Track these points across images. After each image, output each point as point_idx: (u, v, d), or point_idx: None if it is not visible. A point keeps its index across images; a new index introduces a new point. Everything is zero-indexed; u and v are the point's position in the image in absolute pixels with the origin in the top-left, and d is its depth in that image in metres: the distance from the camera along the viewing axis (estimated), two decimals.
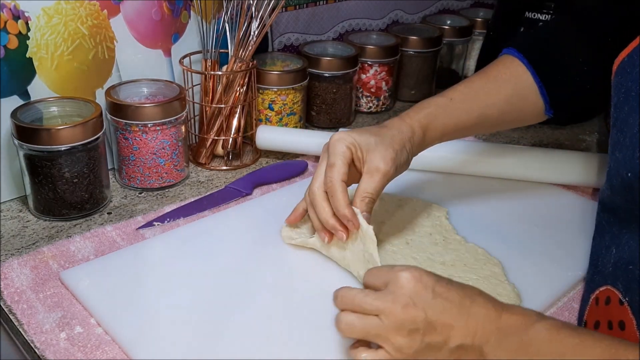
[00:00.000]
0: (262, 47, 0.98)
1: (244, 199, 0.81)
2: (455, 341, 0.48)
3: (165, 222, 0.75)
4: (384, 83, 1.10)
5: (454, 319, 0.48)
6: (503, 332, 0.47)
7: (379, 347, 0.50)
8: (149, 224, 0.74)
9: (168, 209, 0.78)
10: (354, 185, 0.65)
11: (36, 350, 0.56)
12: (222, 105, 0.87)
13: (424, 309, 0.48)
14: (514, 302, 0.61)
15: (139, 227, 0.74)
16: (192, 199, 0.80)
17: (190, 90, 0.88)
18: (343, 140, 0.63)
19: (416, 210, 0.78)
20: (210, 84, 0.88)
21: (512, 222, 0.77)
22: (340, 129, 0.88)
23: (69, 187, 0.74)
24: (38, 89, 0.77)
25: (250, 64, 0.87)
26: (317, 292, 0.63)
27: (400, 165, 0.65)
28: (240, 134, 0.90)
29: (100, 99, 0.82)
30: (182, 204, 0.79)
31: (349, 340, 0.57)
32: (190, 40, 0.91)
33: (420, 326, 0.48)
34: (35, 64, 0.76)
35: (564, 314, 0.63)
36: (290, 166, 0.88)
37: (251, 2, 0.85)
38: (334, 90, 1.02)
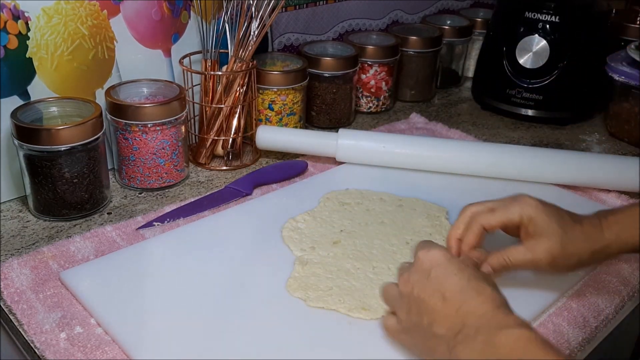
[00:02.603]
0: (262, 47, 0.98)
1: (244, 199, 0.81)
2: (436, 329, 0.50)
3: (165, 222, 0.75)
4: (383, 83, 1.10)
5: (439, 306, 0.50)
6: (475, 329, 0.48)
7: None
8: (149, 224, 0.74)
9: (168, 209, 0.78)
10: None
11: (36, 351, 0.56)
12: (222, 106, 0.87)
13: (413, 287, 0.52)
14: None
15: (139, 227, 0.74)
16: (192, 199, 0.80)
17: (190, 90, 0.88)
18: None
19: (416, 210, 0.78)
20: (210, 84, 0.88)
21: None
22: (340, 130, 0.88)
23: (69, 187, 0.74)
24: (38, 89, 0.77)
25: (250, 64, 0.87)
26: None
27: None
28: (240, 134, 0.90)
29: (100, 99, 0.82)
30: (182, 204, 0.79)
31: (349, 340, 0.57)
32: (190, 40, 0.91)
33: (412, 303, 0.52)
34: (35, 64, 0.76)
35: (562, 313, 0.63)
36: (290, 166, 0.88)
37: (251, 2, 0.85)
38: (334, 91, 1.02)
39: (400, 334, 0.55)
